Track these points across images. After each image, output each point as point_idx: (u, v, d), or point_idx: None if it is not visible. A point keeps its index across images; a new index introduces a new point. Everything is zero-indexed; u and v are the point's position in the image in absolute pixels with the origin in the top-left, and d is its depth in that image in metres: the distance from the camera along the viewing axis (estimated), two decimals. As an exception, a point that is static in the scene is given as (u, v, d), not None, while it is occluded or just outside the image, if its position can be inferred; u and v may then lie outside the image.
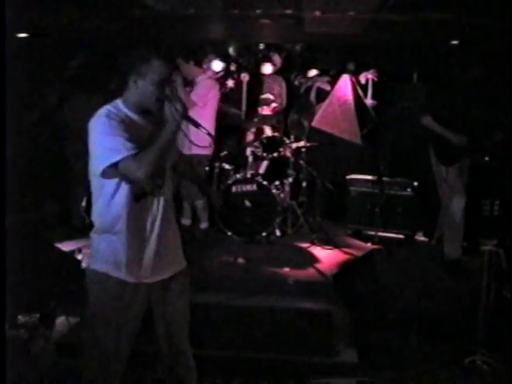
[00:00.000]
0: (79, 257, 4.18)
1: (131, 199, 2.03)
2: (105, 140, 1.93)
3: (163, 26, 5.19)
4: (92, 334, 2.15)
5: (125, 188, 2.02)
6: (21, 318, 3.40)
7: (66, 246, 4.53)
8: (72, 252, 4.35)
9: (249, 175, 4.96)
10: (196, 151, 3.71)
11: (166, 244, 2.14)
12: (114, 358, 2.13)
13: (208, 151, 4.72)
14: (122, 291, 2.09)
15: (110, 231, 2.06)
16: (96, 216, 2.13)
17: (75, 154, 5.07)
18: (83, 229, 5.04)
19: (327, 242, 4.93)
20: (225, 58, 5.98)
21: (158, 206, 2.10)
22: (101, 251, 2.10)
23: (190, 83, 5.03)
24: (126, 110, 2.05)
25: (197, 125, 2.11)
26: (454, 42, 5.44)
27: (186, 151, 3.69)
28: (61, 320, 3.58)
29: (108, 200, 2.04)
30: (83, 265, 4.10)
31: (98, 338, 2.12)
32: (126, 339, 2.15)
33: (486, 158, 4.46)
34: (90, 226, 2.17)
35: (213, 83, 5.07)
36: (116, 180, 2.00)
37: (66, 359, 3.15)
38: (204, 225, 5.08)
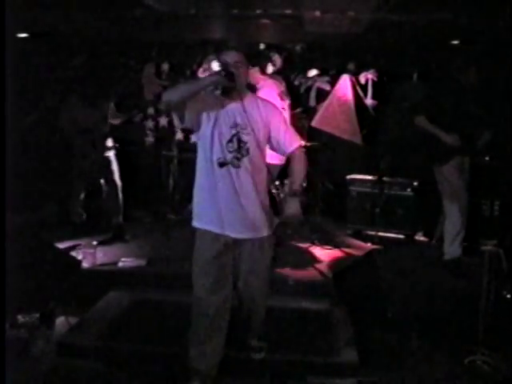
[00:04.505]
0: (79, 257, 4.18)
1: (216, 166, 2.49)
2: None
3: (163, 26, 5.19)
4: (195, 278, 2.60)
5: (209, 156, 2.51)
6: (21, 318, 3.40)
7: (65, 246, 4.54)
8: (72, 252, 4.36)
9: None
10: None
11: (242, 209, 2.53)
12: (215, 310, 2.56)
13: None
14: (211, 242, 2.55)
15: (203, 190, 2.57)
16: (196, 176, 2.62)
17: (75, 151, 5.08)
18: (82, 225, 5.12)
19: (327, 241, 4.93)
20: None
21: (237, 175, 2.50)
22: (197, 208, 2.62)
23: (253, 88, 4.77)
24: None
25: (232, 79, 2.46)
26: (454, 42, 5.45)
27: None
28: (61, 320, 3.58)
29: (202, 164, 2.56)
30: (83, 265, 4.11)
31: (199, 283, 2.58)
32: (221, 289, 2.57)
33: (486, 158, 4.45)
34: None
35: (275, 94, 4.58)
36: (204, 147, 2.53)
37: (66, 359, 3.14)
38: None
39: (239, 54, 2.56)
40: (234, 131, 2.51)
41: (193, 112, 2.50)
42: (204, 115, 2.52)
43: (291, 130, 2.68)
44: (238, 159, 2.50)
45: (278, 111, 2.70)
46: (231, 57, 2.52)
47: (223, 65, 2.51)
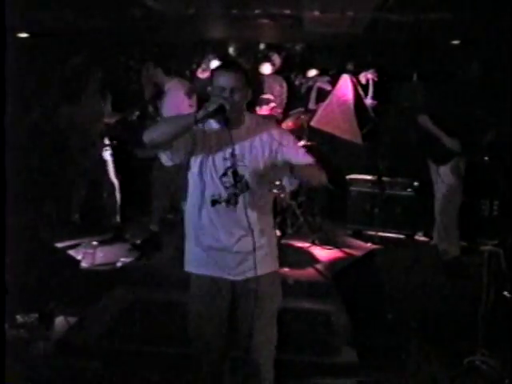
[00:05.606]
0: (79, 257, 4.18)
1: (207, 204, 2.20)
2: None
3: (163, 26, 5.20)
4: (191, 324, 2.36)
5: (199, 193, 2.20)
6: (20, 318, 3.40)
7: (65, 246, 4.54)
8: (71, 252, 4.36)
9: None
10: None
11: (239, 248, 2.23)
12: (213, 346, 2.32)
13: None
14: (205, 286, 2.28)
15: (194, 230, 2.28)
16: (187, 214, 2.32)
17: (74, 150, 5.10)
18: (82, 225, 5.13)
19: (327, 241, 4.93)
20: (224, 58, 5.96)
21: (232, 214, 2.20)
22: (188, 253, 2.34)
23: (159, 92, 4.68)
24: None
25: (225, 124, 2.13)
26: (454, 42, 5.45)
27: None
28: (60, 320, 3.58)
29: (191, 202, 2.27)
30: (83, 265, 4.11)
31: (195, 327, 2.34)
32: (217, 331, 2.31)
33: (486, 158, 4.45)
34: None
35: (182, 94, 4.60)
36: (194, 184, 2.23)
37: (65, 359, 3.14)
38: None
39: (237, 75, 2.12)
40: (228, 163, 2.14)
41: (180, 150, 2.16)
42: (193, 148, 2.18)
43: (303, 150, 2.31)
44: (236, 195, 2.16)
45: (283, 131, 2.38)
46: (228, 81, 2.10)
47: (219, 89, 2.12)
